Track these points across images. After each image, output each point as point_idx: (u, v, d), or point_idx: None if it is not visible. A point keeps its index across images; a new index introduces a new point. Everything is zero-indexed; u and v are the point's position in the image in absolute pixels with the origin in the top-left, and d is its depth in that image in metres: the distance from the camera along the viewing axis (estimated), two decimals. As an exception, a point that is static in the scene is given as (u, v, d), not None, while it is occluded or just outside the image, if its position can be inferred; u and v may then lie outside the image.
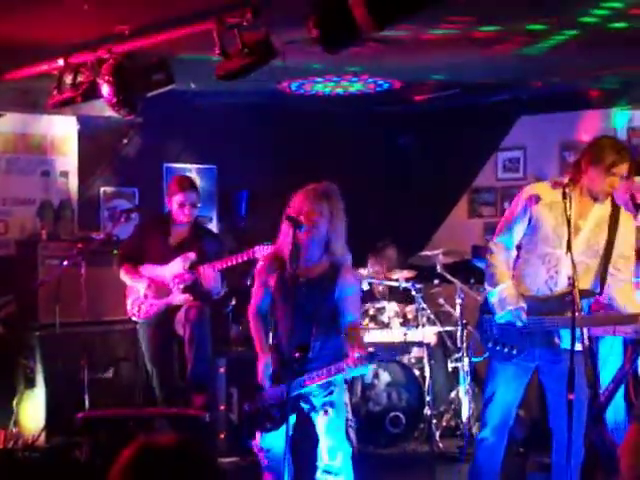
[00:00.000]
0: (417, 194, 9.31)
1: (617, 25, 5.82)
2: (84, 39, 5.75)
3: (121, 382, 7.11)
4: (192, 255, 6.43)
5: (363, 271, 7.66)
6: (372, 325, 7.50)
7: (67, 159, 7.96)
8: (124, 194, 8.27)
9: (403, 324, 7.54)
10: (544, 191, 4.88)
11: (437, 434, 7.16)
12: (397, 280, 7.68)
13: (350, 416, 6.88)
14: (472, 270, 7.53)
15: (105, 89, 5.76)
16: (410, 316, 7.64)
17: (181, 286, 6.44)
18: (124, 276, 6.57)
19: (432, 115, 9.00)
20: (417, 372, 7.36)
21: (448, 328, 7.67)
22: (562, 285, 4.80)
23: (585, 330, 4.65)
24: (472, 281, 7.76)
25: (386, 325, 7.51)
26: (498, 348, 4.90)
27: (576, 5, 5.44)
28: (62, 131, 7.92)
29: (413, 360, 7.54)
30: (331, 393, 4.77)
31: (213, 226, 8.53)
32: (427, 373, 7.26)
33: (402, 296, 7.80)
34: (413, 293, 7.50)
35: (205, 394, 6.47)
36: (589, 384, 4.87)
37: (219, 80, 5.33)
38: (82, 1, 4.96)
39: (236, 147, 8.59)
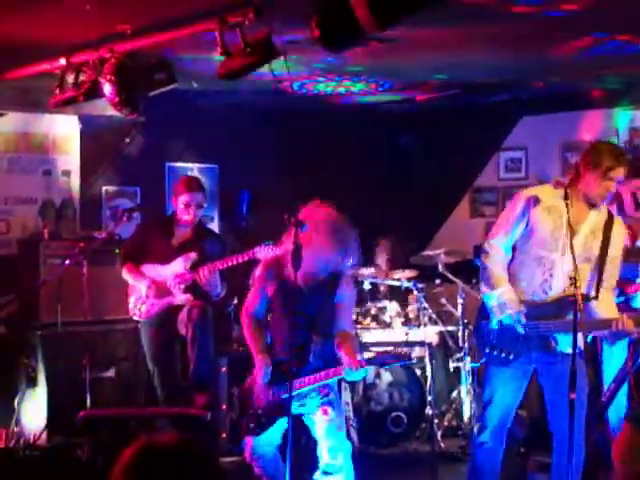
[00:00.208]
0: (419, 194, 9.31)
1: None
2: (86, 38, 5.74)
3: (123, 381, 7.10)
4: (193, 255, 6.43)
5: (365, 270, 7.66)
6: (374, 325, 7.51)
7: (69, 158, 7.97)
8: (126, 193, 8.28)
9: (405, 324, 7.54)
10: (543, 194, 4.89)
11: (439, 434, 7.16)
12: (399, 280, 7.68)
13: (352, 416, 6.90)
14: (474, 270, 7.50)
15: (107, 88, 5.76)
16: (412, 316, 7.65)
17: (182, 286, 6.44)
18: (126, 275, 6.57)
19: (434, 115, 9.00)
20: (419, 372, 7.36)
21: (450, 328, 7.68)
22: (557, 288, 4.82)
23: (580, 335, 4.65)
24: (474, 281, 7.73)
25: (388, 325, 7.51)
26: (495, 353, 4.91)
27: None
28: (64, 130, 7.92)
29: (415, 360, 7.54)
30: (327, 394, 4.78)
31: (215, 225, 8.54)
32: (429, 373, 7.26)
33: (404, 296, 7.81)
34: (415, 293, 7.51)
35: (207, 394, 6.47)
36: (590, 384, 4.88)
37: (221, 79, 5.33)
38: (84, 0, 4.96)
39: (238, 146, 8.59)
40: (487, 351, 4.95)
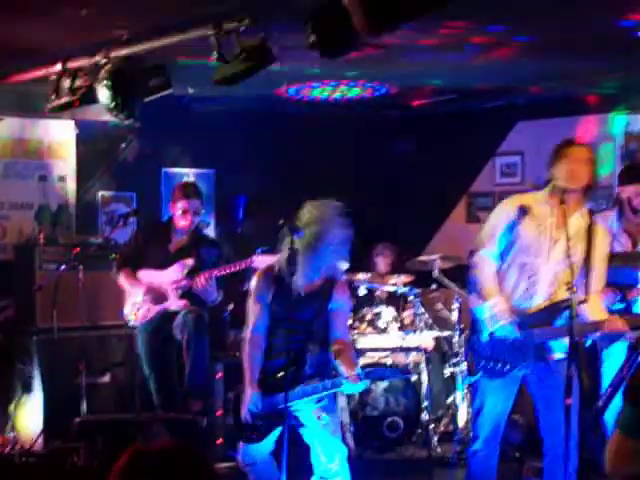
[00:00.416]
0: (414, 199, 9.32)
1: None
2: (82, 44, 5.75)
3: (118, 387, 7.09)
4: (190, 261, 6.44)
5: (361, 276, 7.66)
6: (369, 330, 7.50)
7: (65, 163, 7.96)
8: (122, 198, 8.27)
9: (400, 329, 7.53)
10: (529, 201, 4.92)
11: (435, 439, 7.15)
12: (395, 285, 7.68)
13: (348, 421, 6.89)
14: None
15: (103, 93, 5.76)
16: (407, 321, 7.64)
17: (178, 292, 6.44)
18: (122, 281, 6.57)
19: (429, 120, 9.01)
20: (414, 377, 7.35)
21: (446, 333, 7.67)
22: (541, 293, 4.83)
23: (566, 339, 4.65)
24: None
25: (383, 330, 7.50)
26: (491, 365, 4.90)
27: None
28: (60, 135, 7.92)
29: (410, 365, 7.53)
30: (321, 400, 4.77)
31: (211, 231, 8.53)
32: (424, 378, 7.25)
33: (400, 301, 7.80)
34: (411, 298, 7.50)
35: (202, 399, 6.47)
36: (585, 389, 4.89)
37: (217, 85, 5.33)
38: (80, 6, 4.97)
39: (234, 152, 8.59)
40: (482, 364, 4.94)
